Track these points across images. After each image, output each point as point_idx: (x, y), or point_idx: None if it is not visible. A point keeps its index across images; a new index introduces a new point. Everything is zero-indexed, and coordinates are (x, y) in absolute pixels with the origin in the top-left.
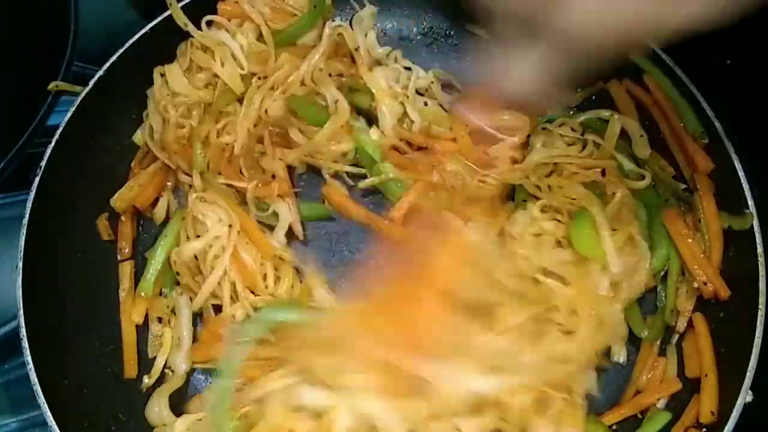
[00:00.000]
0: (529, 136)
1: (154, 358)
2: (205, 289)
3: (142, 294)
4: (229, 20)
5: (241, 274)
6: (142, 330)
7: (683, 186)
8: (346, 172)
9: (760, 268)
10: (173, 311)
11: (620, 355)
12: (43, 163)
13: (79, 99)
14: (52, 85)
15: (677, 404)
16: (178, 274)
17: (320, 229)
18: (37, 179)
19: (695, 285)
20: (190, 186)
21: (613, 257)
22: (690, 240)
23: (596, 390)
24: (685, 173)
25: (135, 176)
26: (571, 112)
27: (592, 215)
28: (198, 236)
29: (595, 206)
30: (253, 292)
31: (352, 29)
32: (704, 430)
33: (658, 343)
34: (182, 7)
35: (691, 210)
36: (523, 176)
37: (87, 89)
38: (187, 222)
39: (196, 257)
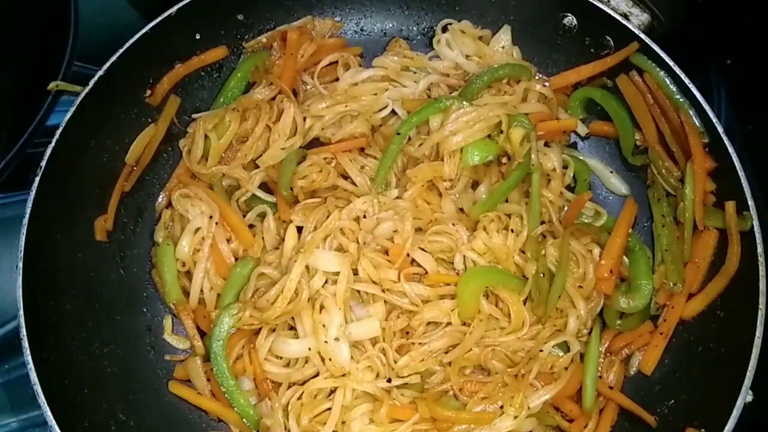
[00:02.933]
0: None
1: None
2: (195, 286)
3: (172, 305)
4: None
5: (216, 264)
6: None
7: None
8: None
9: (760, 268)
10: None
11: None
12: (43, 163)
13: (79, 99)
14: (52, 85)
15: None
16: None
17: None
18: (37, 179)
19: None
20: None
21: None
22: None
23: None
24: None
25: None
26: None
27: None
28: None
29: None
30: None
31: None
32: (703, 430)
33: None
34: (181, 8)
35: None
36: None
37: (87, 89)
38: (175, 221)
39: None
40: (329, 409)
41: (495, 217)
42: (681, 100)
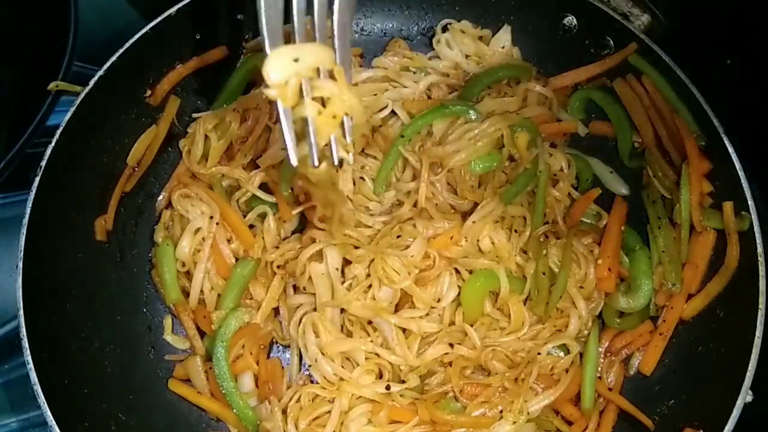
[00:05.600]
0: None
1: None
2: (195, 287)
3: (172, 305)
4: None
5: (217, 264)
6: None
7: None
8: None
9: (760, 268)
10: None
11: None
12: (43, 163)
13: (79, 99)
14: (52, 85)
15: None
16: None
17: None
18: (37, 179)
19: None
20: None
21: None
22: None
23: None
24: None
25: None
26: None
27: None
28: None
29: None
30: None
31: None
32: (702, 430)
33: None
34: (181, 8)
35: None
36: None
37: (87, 89)
38: (175, 221)
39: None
40: (329, 412)
41: (499, 218)
42: (678, 102)
